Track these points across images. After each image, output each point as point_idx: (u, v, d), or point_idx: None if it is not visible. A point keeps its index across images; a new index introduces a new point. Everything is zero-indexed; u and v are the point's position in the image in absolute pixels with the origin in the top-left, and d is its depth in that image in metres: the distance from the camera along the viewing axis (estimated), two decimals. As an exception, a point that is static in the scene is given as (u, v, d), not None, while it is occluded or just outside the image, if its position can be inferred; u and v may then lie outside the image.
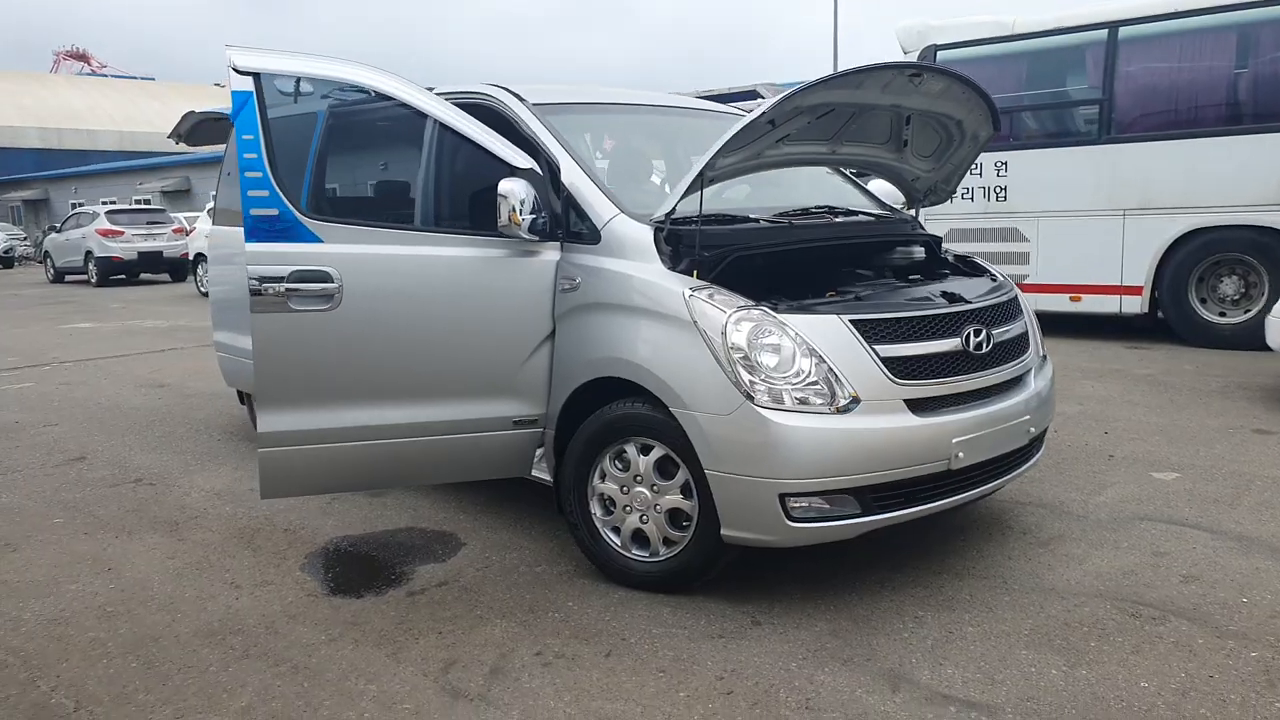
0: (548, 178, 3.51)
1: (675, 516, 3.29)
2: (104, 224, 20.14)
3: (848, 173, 4.61)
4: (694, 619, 3.15)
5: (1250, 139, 7.89)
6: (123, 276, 20.73)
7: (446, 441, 3.55)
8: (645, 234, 3.37)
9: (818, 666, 2.82)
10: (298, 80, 3.38)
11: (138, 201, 32.55)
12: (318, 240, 3.30)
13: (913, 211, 4.32)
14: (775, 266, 3.46)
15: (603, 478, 3.43)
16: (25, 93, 47.89)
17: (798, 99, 3.19)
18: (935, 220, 8.75)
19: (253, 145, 3.20)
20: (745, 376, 2.99)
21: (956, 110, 3.73)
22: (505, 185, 3.33)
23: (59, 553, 3.94)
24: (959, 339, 3.29)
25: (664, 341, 3.18)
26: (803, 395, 3.00)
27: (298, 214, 3.27)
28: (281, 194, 3.23)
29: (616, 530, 3.43)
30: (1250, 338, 8.03)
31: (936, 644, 2.94)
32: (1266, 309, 7.88)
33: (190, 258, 17.72)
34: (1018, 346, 3.59)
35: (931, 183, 4.21)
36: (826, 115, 3.50)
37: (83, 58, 73.95)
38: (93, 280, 20.50)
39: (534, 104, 3.86)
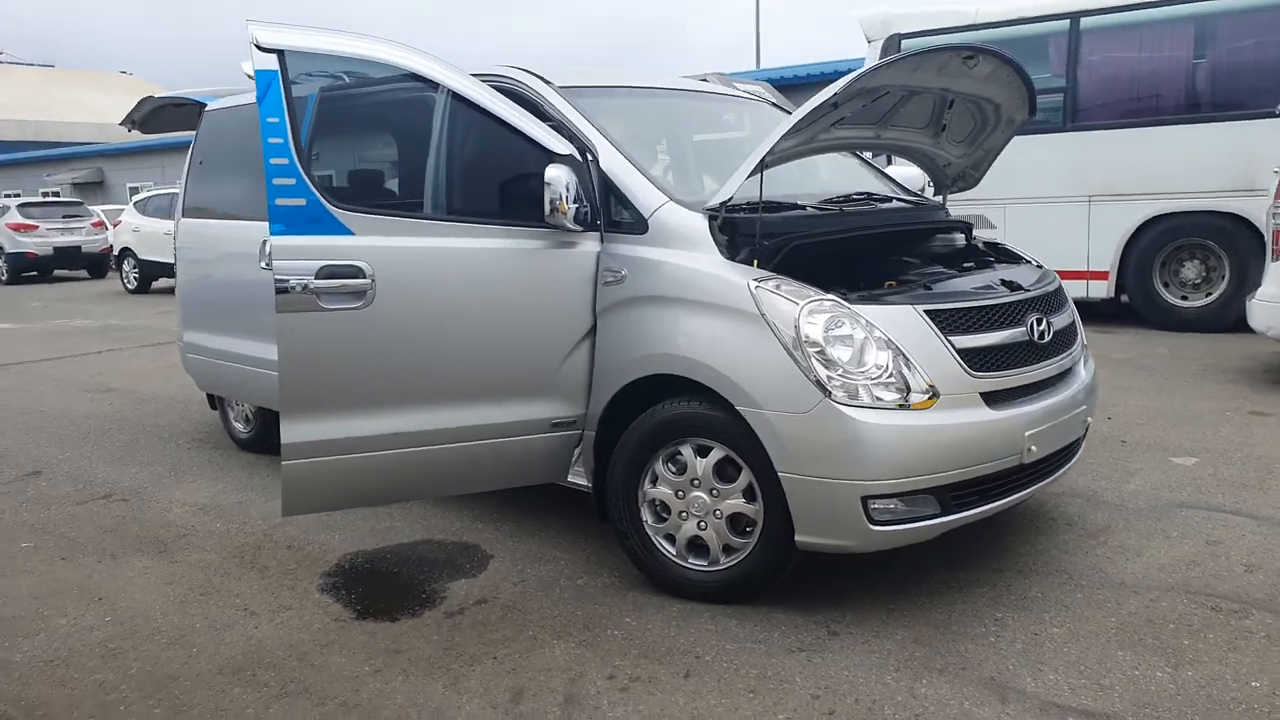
0: (585, 164, 3.28)
1: (736, 522, 3.10)
2: (15, 218, 18.99)
3: (865, 157, 4.47)
4: (766, 632, 2.96)
5: (1210, 127, 8.02)
6: (35, 273, 19.62)
7: (481, 447, 3.30)
8: (699, 222, 3.16)
9: (914, 678, 2.66)
10: (324, 58, 3.07)
11: (45, 194, 30.94)
12: (348, 232, 3.01)
13: (940, 198, 4.20)
14: (833, 255, 3.29)
15: (654, 482, 3.22)
16: (-87, 80, 45.11)
17: (864, 80, 3.02)
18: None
19: (278, 129, 2.90)
20: (822, 372, 2.82)
21: (998, 93, 3.61)
22: (552, 172, 3.09)
23: (37, 582, 3.57)
24: (1024, 328, 3.17)
25: (727, 336, 2.98)
26: (881, 390, 2.84)
27: (327, 204, 2.98)
28: (309, 182, 2.94)
29: (670, 538, 3.22)
30: (1213, 320, 8.19)
31: (1027, 648, 2.81)
32: (1230, 292, 8.06)
33: (114, 253, 16.87)
34: (1070, 335, 3.50)
35: (961, 169, 4.09)
36: (880, 99, 3.34)
37: (-27, 45, 70.21)
38: (2, 278, 19.36)
39: (560, 86, 3.62)
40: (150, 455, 5.32)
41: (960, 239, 3.84)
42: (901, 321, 2.92)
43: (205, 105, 5.57)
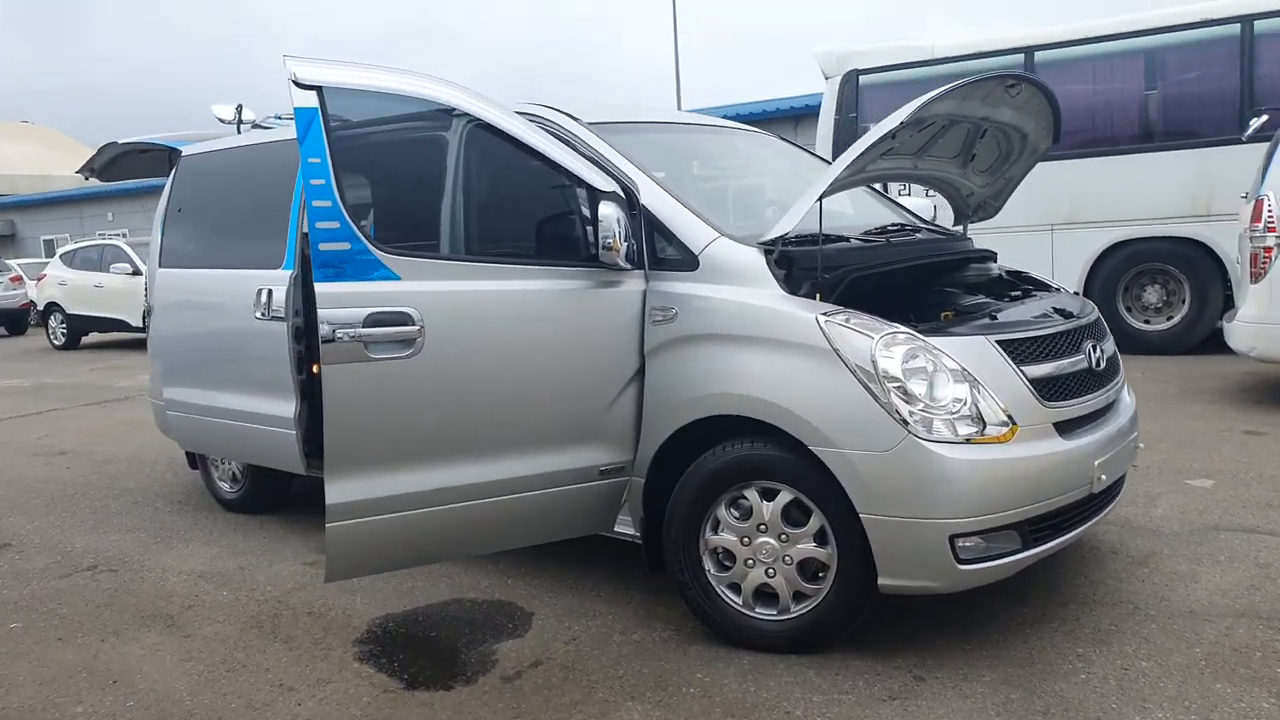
0: (630, 201, 3.17)
1: (806, 567, 2.98)
2: (-74, 274, 18.10)
3: (876, 188, 4.45)
4: (849, 681, 2.84)
5: (1166, 155, 8.28)
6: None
7: (530, 499, 3.13)
8: (754, 257, 3.07)
9: (1021, 723, 2.56)
10: (364, 95, 2.90)
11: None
12: (395, 277, 2.84)
13: (960, 228, 4.18)
14: (888, 287, 3.22)
15: (716, 529, 3.08)
16: None
17: (921, 110, 2.98)
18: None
19: (320, 170, 2.72)
20: (903, 407, 2.73)
21: (1028, 122, 3.62)
22: (605, 209, 2.97)
23: (38, 666, 3.27)
24: (1084, 355, 3.14)
25: (795, 373, 2.88)
26: (961, 425, 2.76)
27: (371, 247, 2.80)
28: (354, 225, 2.76)
29: (735, 587, 3.08)
30: (1176, 343, 8.39)
31: (1122, 684, 2.73)
32: (1192, 315, 8.27)
33: (38, 308, 16.14)
34: (1116, 362, 3.48)
35: (982, 198, 4.09)
36: (925, 128, 3.31)
37: None
38: (-88, 338, 18.38)
39: (590, 123, 3.51)
40: (128, 521, 4.98)
41: (994, 268, 3.82)
42: (976, 352, 2.86)
43: (175, 150, 5.33)
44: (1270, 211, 5.80)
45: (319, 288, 2.74)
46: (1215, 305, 8.22)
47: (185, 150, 5.03)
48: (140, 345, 14.21)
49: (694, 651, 3.09)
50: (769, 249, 3.07)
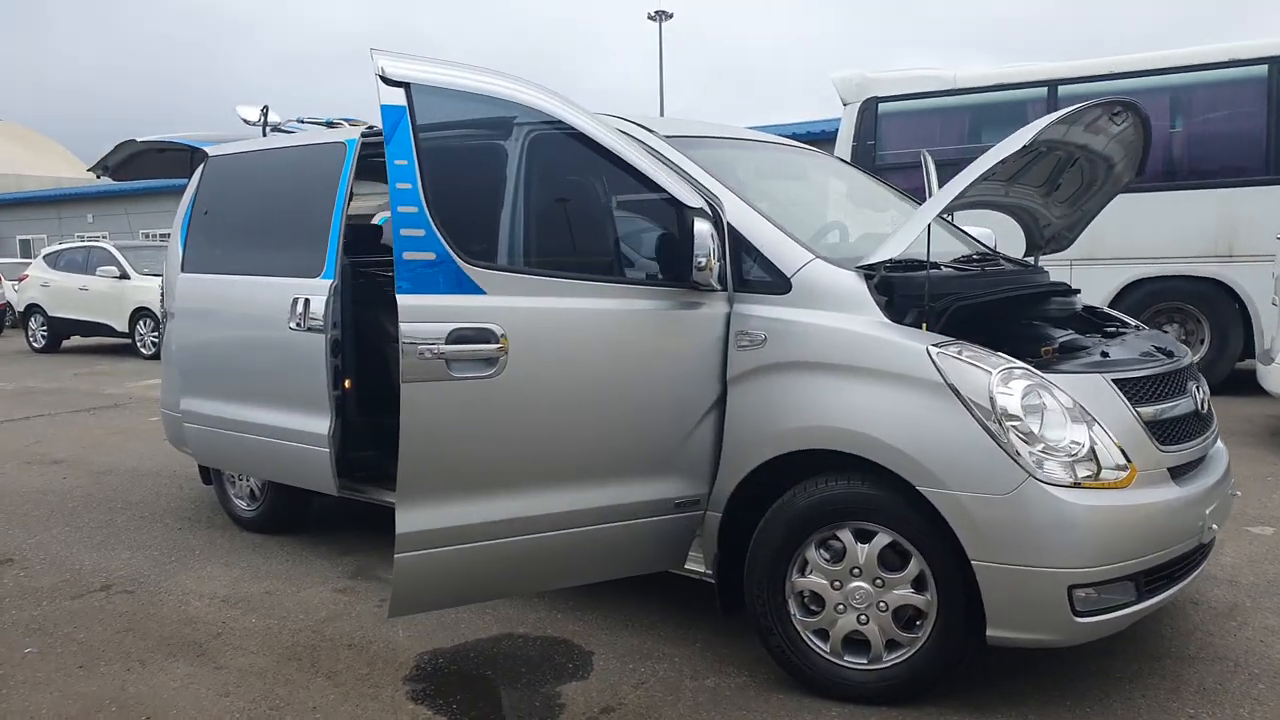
0: (717, 218, 3.00)
1: (900, 614, 2.80)
2: (-101, 273, 17.59)
3: (944, 216, 4.30)
4: (952, 737, 2.65)
5: (1188, 194, 8.23)
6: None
7: (604, 532, 2.94)
8: (853, 281, 2.90)
9: (1150, 792, 2.38)
10: (454, 95, 2.71)
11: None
12: (480, 291, 2.65)
13: (1031, 259, 4.04)
14: (986, 319, 3.06)
15: (804, 571, 2.90)
16: None
17: (1040, 134, 2.83)
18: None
19: (406, 173, 2.53)
20: (1022, 448, 2.56)
21: (1118, 152, 3.50)
22: (701, 226, 2.79)
23: (61, 699, 3.01)
24: (1189, 397, 3.00)
25: (902, 407, 2.70)
26: (1080, 467, 2.59)
27: (458, 259, 2.61)
28: (440, 234, 2.57)
29: (822, 634, 2.89)
30: (1194, 384, 8.30)
31: (1245, 750, 2.57)
32: (1212, 356, 8.21)
33: (15, 310, 15.72)
34: (1210, 405, 3.34)
35: (1058, 230, 3.97)
36: (1026, 154, 3.16)
37: None
38: (-114, 337, 17.84)
39: (665, 135, 3.34)
40: (137, 537, 4.71)
41: (1077, 302, 3.67)
42: (1093, 391, 2.70)
43: (198, 150, 5.10)
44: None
45: (402, 300, 2.54)
46: (1235, 346, 8.16)
47: (211, 150, 4.80)
48: (125, 350, 13.87)
49: (776, 701, 2.89)
50: (869, 273, 2.90)
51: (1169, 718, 2.74)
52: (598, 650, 3.28)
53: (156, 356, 13.14)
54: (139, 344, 13.53)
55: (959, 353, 2.68)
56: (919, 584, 2.76)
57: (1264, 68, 7.92)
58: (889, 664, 2.82)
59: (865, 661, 2.85)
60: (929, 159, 6.32)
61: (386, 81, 2.55)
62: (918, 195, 4.32)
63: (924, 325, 2.81)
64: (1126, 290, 8.44)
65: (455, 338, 2.60)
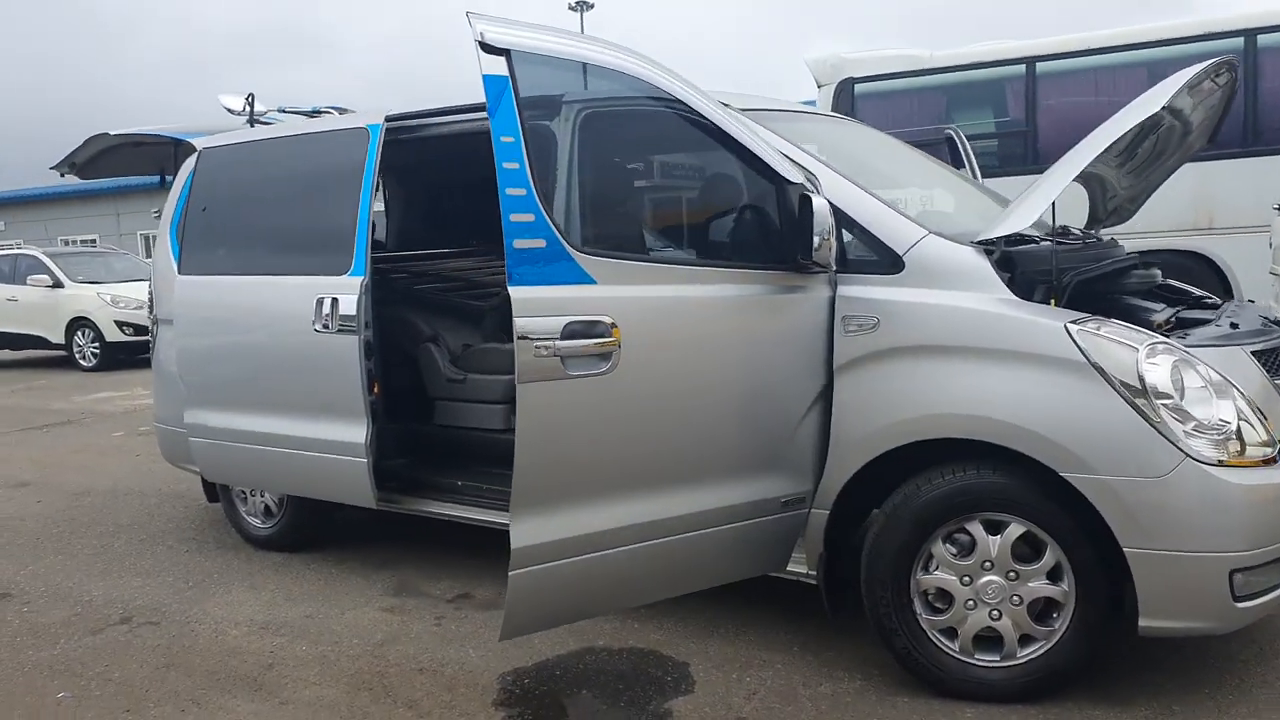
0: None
1: (1033, 607, 2.65)
2: None
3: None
4: (1105, 735, 2.51)
5: (1166, 167, 8.29)
6: None
7: (713, 535, 2.74)
8: (975, 258, 2.74)
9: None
10: (559, 65, 2.46)
11: None
12: (590, 280, 2.42)
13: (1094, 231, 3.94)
14: (1100, 294, 2.92)
15: (928, 567, 2.73)
16: None
17: (1170, 98, 2.70)
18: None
19: (513, 151, 2.28)
20: (1176, 427, 2.42)
21: (1199, 116, 3.40)
22: (820, 203, 2.59)
23: (113, 748, 2.71)
24: None
25: (1040, 389, 2.55)
26: (1230, 446, 2.47)
27: (567, 245, 2.37)
28: (550, 219, 2.33)
29: (948, 631, 2.73)
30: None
31: None
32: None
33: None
34: None
35: (1120, 201, 3.87)
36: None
37: None
38: None
39: (743, 109, 3.13)
40: (143, 563, 4.35)
41: (1157, 275, 3.57)
42: (1238, 365, 2.58)
43: (183, 142, 4.75)
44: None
45: (515, 292, 2.30)
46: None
47: (203, 142, 4.44)
48: (63, 364, 13.14)
49: (903, 704, 2.73)
50: (988, 248, 2.74)
51: (1313, 700, 2.65)
52: (692, 660, 3.08)
53: (99, 369, 12.51)
54: (78, 356, 12.84)
55: (1098, 329, 2.54)
56: (1054, 575, 2.62)
57: (1240, 40, 8.00)
58: (1024, 659, 2.67)
59: (998, 659, 2.70)
60: (960, 135, 6.22)
61: (486, 49, 2.30)
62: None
63: (1052, 301, 2.66)
64: (1109, 265, 8.50)
65: (569, 332, 2.37)
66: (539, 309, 2.33)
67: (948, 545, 2.70)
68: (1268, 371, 2.68)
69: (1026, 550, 2.64)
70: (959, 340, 2.66)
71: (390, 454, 3.94)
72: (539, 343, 2.32)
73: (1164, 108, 3.18)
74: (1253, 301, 3.65)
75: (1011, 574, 2.64)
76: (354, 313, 3.62)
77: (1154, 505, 2.42)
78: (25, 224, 27.26)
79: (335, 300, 3.66)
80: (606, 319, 2.43)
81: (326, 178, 3.87)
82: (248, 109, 4.71)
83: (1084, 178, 3.71)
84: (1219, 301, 3.46)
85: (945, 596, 2.72)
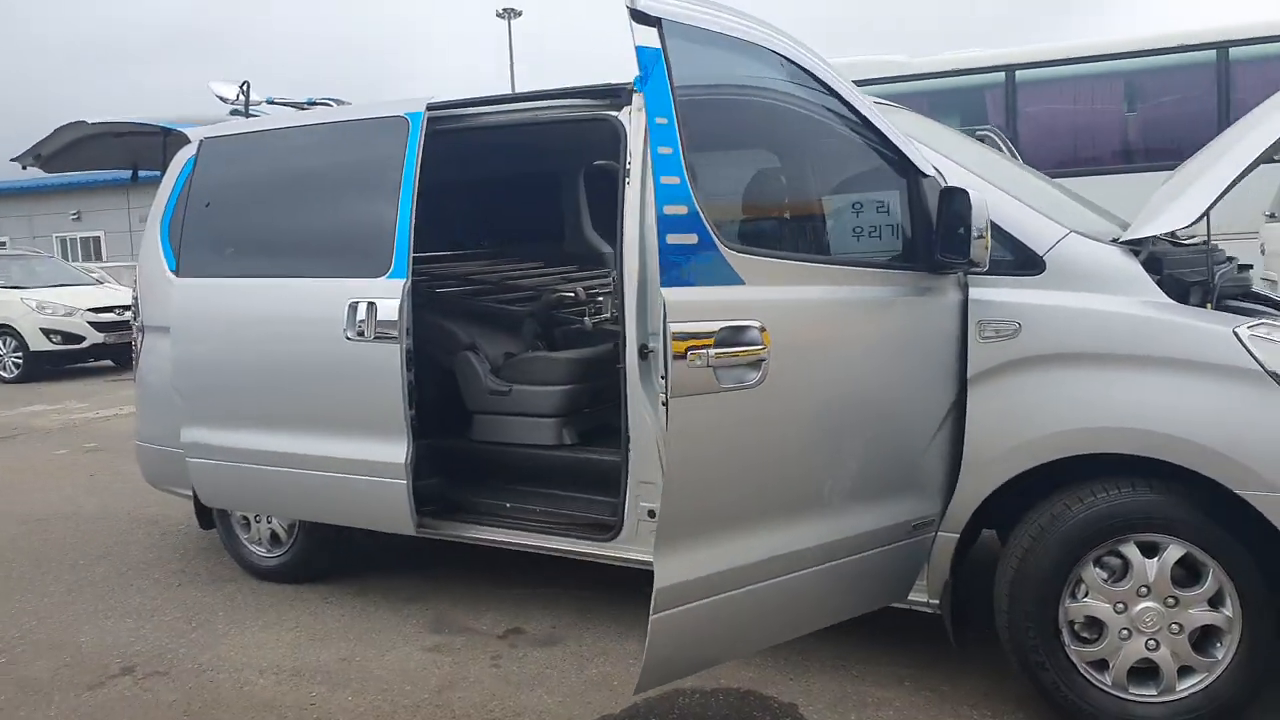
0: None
1: (1192, 636, 2.45)
2: None
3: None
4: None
5: (1143, 175, 8.34)
6: None
7: (847, 565, 2.47)
8: (1121, 259, 2.53)
9: None
10: (713, 40, 2.17)
11: None
12: (739, 281, 2.13)
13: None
14: (1229, 295, 2.74)
15: (1076, 594, 2.50)
16: None
17: None
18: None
19: (667, 135, 1.99)
20: (1365, 439, 2.24)
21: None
22: (978, 197, 2.36)
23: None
24: None
25: (1208, 400, 2.34)
26: None
27: (720, 243, 2.08)
28: (703, 213, 2.04)
29: (1099, 664, 2.51)
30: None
31: None
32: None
33: None
34: None
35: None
36: None
37: None
38: None
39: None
40: (132, 601, 3.88)
41: (1250, 278, 3.41)
42: None
43: (173, 132, 4.31)
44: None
45: (669, 294, 2.01)
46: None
47: (203, 133, 4.01)
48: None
49: (1053, 747, 2.49)
50: (1135, 248, 2.54)
51: None
52: (798, 701, 2.80)
53: (21, 380, 11.71)
54: (-2, 366, 12.00)
55: (1269, 334, 2.35)
56: (1215, 600, 2.42)
57: (1213, 52, 8.11)
58: (1185, 694, 2.46)
59: (1155, 693, 2.48)
60: (1001, 134, 6.10)
61: (637, 17, 2.00)
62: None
63: (1208, 304, 2.47)
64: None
65: (721, 340, 2.08)
66: (694, 313, 2.04)
67: (1099, 570, 2.48)
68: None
69: (1182, 574, 2.44)
70: (1114, 347, 2.45)
71: (424, 474, 3.57)
72: (694, 350, 2.02)
73: None
74: None
75: (1170, 600, 2.43)
76: (395, 318, 3.26)
77: (1345, 525, 2.24)
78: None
79: (372, 305, 3.30)
80: (756, 324, 2.14)
81: (359, 171, 3.51)
82: (242, 98, 4.30)
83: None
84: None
85: (1095, 626, 2.50)
